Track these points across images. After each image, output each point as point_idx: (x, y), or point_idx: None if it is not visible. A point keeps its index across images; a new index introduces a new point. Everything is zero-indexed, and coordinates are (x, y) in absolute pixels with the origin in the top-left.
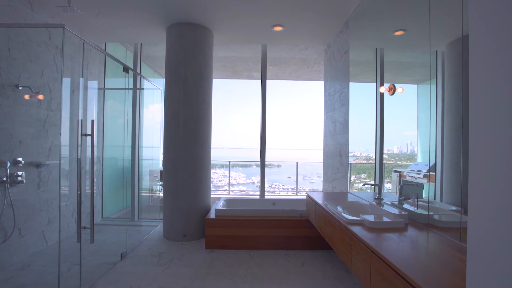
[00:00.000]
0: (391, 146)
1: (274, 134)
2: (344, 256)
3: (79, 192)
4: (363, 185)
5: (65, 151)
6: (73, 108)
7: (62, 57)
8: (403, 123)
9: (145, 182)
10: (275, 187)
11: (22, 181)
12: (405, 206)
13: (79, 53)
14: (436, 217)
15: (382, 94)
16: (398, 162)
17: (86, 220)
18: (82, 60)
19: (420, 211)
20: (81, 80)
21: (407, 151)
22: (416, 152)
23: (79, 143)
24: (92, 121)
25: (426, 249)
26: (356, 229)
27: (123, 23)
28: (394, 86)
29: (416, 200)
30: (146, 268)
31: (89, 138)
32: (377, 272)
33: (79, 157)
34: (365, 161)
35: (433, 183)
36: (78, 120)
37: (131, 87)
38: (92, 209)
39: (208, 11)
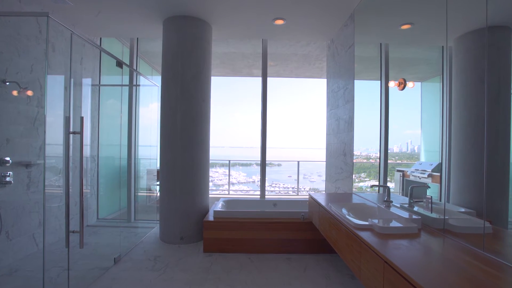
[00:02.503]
0: (392, 145)
1: (274, 133)
2: (351, 263)
3: (66, 194)
4: (371, 186)
5: (59, 150)
6: (66, 106)
7: (47, 48)
8: (405, 122)
9: (143, 182)
10: (276, 186)
11: (10, 182)
12: (415, 209)
13: (73, 48)
14: (452, 222)
15: (387, 92)
16: (398, 161)
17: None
18: (70, 52)
19: (434, 215)
20: (69, 75)
21: (408, 150)
22: (416, 151)
23: (65, 142)
24: (81, 118)
25: (446, 260)
26: (365, 235)
27: (118, 16)
28: (405, 81)
29: (430, 203)
30: (141, 273)
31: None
32: (391, 285)
33: (68, 156)
34: (365, 160)
35: (439, 184)
36: (66, 118)
37: (127, 83)
38: (81, 211)
39: (206, 3)
